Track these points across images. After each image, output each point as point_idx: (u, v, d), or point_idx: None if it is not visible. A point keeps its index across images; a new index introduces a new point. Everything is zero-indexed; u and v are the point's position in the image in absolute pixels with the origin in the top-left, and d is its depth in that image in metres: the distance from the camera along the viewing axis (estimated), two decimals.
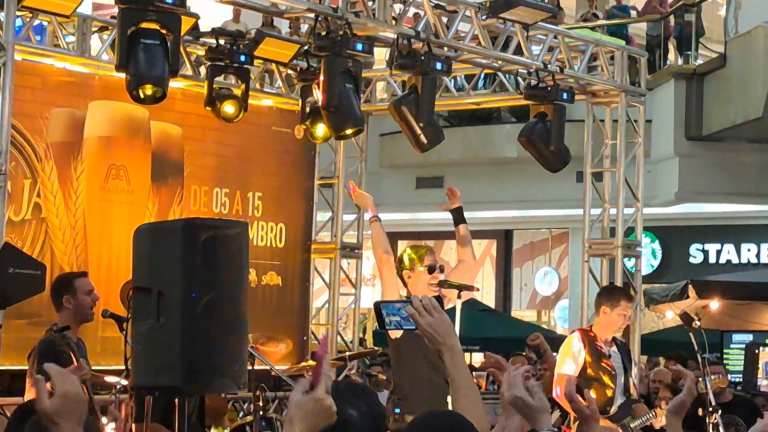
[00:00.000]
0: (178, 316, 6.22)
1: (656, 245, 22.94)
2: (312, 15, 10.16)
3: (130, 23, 8.82)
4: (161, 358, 6.32)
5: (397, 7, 10.67)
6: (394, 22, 10.55)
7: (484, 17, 11.08)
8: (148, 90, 9.04)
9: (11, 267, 7.90)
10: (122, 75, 9.08)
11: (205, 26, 11.13)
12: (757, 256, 22.33)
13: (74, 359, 7.46)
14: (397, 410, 8.00)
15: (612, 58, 12.76)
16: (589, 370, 8.85)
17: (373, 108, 13.40)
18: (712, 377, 9.13)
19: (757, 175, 19.66)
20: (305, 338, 12.93)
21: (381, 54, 12.03)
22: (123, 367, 7.67)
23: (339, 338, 13.31)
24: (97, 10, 17.25)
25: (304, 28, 13.73)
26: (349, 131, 10.65)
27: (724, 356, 14.90)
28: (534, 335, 10.97)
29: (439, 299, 7.80)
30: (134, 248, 6.68)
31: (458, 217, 8.47)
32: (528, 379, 3.49)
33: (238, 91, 10.98)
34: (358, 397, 3.40)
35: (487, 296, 23.98)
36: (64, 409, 3.06)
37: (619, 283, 12.35)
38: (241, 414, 11.61)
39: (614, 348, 9.03)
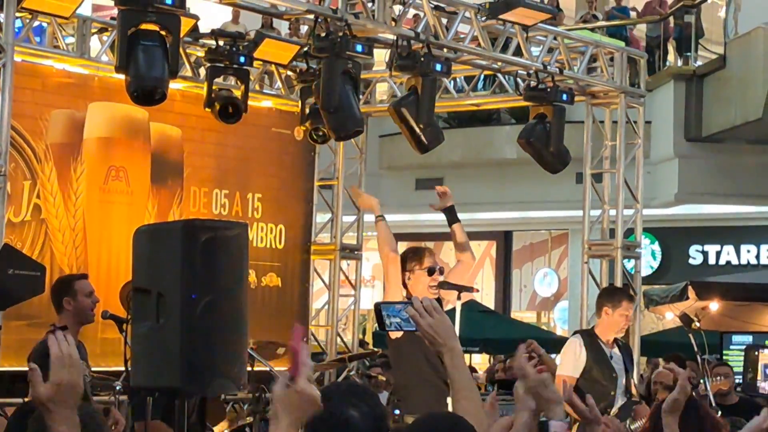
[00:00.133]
0: (177, 317, 6.22)
1: (656, 246, 22.93)
2: (311, 16, 10.16)
3: (130, 24, 8.82)
4: (161, 359, 6.32)
5: (397, 9, 10.66)
6: (393, 23, 10.54)
7: (483, 18, 11.08)
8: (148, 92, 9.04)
9: (11, 268, 7.90)
10: (122, 76, 9.07)
11: (204, 27, 11.13)
12: (757, 257, 22.33)
13: None
14: (396, 411, 8.00)
15: (611, 59, 12.76)
16: (590, 372, 8.84)
17: (373, 109, 13.40)
18: (715, 379, 9.13)
19: (757, 176, 19.65)
20: (305, 339, 12.90)
21: (381, 55, 12.03)
22: (123, 369, 7.68)
23: (339, 339, 13.30)
24: (97, 12, 17.24)
25: (304, 29, 13.73)
26: (348, 132, 10.65)
27: (724, 357, 14.89)
28: (528, 342, 10.95)
29: (439, 301, 7.79)
30: (134, 249, 6.68)
31: (451, 216, 8.42)
32: (541, 372, 3.52)
33: (237, 93, 10.98)
34: (360, 398, 3.41)
35: (487, 297, 23.98)
36: (58, 397, 3.11)
37: (618, 284, 12.35)
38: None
39: (616, 349, 9.02)
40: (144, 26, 8.80)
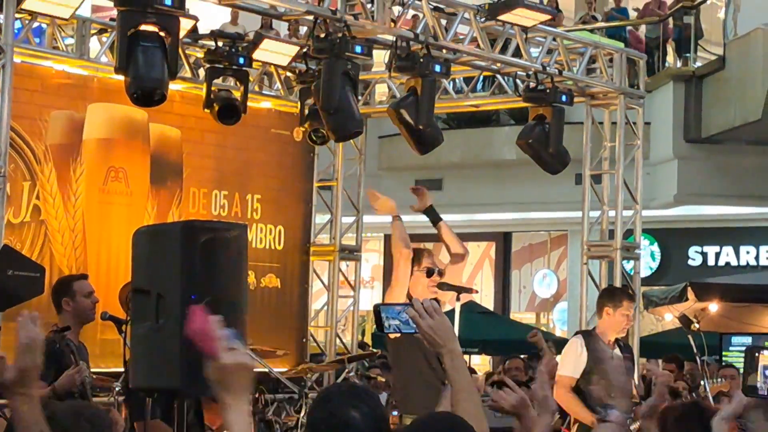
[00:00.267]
0: (177, 318, 6.22)
1: (655, 247, 22.93)
2: (311, 17, 10.16)
3: (129, 26, 8.81)
4: (160, 360, 6.32)
5: (396, 10, 10.66)
6: (392, 24, 10.54)
7: (482, 19, 11.08)
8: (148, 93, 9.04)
9: (10, 269, 7.90)
10: (121, 77, 9.07)
11: (203, 28, 11.13)
12: (756, 258, 22.32)
13: (74, 359, 7.48)
14: (395, 413, 8.01)
15: (611, 60, 12.76)
16: (591, 372, 8.85)
17: (372, 110, 13.39)
18: (716, 380, 9.14)
19: (756, 177, 19.65)
20: (304, 340, 12.93)
21: (380, 56, 12.03)
22: (122, 369, 7.68)
23: (338, 340, 13.30)
24: (96, 12, 17.24)
25: (303, 30, 13.72)
26: (348, 133, 10.65)
27: (723, 359, 14.89)
28: (533, 332, 10.96)
29: (437, 302, 7.78)
30: (133, 250, 6.68)
31: (433, 216, 8.39)
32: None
33: (237, 93, 10.98)
34: (360, 399, 3.41)
35: (486, 298, 23.97)
36: (22, 380, 3.31)
37: (617, 285, 12.34)
38: None
39: (617, 350, 9.02)
40: (143, 27, 8.80)
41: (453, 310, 7.88)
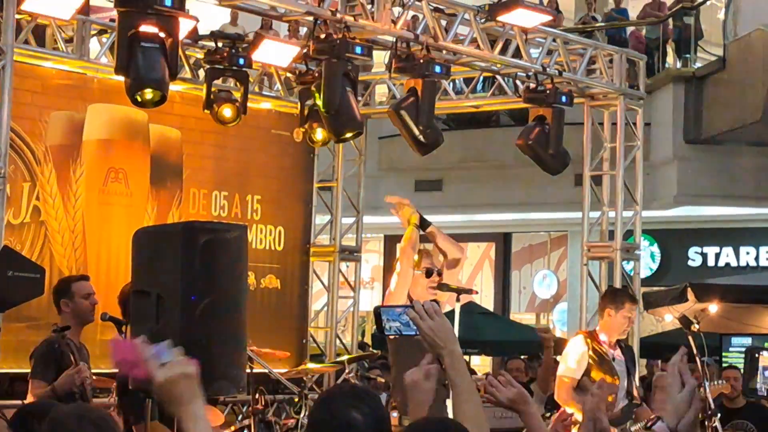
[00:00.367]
0: (177, 319, 6.22)
1: (655, 248, 22.92)
2: (311, 18, 10.15)
3: (129, 26, 8.81)
4: None
5: (396, 11, 10.66)
6: (392, 25, 10.54)
7: (482, 20, 11.08)
8: (148, 94, 9.02)
9: (10, 270, 7.91)
10: (121, 78, 9.06)
11: (203, 29, 11.12)
12: (756, 259, 22.31)
13: (74, 360, 7.47)
14: (394, 414, 7.99)
15: (611, 61, 12.76)
16: (592, 373, 8.84)
17: (372, 111, 13.39)
18: (716, 382, 9.12)
19: (756, 178, 19.65)
20: (304, 341, 12.93)
21: (380, 57, 12.03)
22: None
23: (338, 341, 13.30)
24: (93, 13, 17.21)
25: (303, 31, 13.72)
26: (348, 134, 10.65)
27: (723, 359, 14.89)
28: (545, 328, 10.88)
29: (437, 303, 7.78)
30: (133, 251, 6.68)
31: (422, 222, 8.36)
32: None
33: (237, 94, 10.97)
34: (362, 400, 3.41)
35: (486, 299, 23.95)
36: None
37: (617, 286, 12.33)
38: (240, 417, 11.60)
39: (618, 351, 9.02)
40: (143, 28, 8.79)
41: (453, 311, 7.87)
